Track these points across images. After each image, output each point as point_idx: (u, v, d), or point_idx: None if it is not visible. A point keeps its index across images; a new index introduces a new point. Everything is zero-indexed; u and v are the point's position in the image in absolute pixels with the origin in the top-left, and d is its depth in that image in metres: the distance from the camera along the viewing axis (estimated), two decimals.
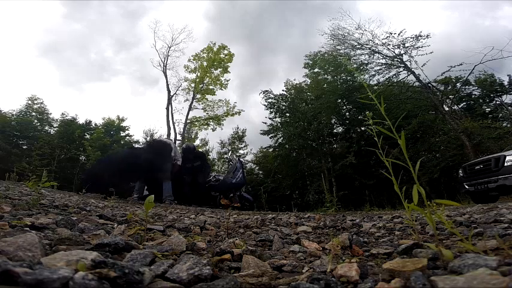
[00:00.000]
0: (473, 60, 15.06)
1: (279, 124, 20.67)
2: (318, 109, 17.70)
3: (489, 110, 19.73)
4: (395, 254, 1.01)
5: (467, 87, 18.40)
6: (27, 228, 1.07)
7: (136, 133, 57.91)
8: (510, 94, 19.75)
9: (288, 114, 20.38)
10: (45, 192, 3.60)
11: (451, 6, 40.26)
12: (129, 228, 1.38)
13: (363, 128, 18.11)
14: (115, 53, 42.54)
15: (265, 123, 20.87)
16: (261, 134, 21.03)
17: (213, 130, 23.38)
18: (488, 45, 15.03)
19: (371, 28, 18.76)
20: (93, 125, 25.01)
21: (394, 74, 15.31)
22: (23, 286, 0.48)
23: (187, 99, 22.69)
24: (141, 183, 6.68)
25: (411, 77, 15.18)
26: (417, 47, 14.04)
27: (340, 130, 20.49)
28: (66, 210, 2.08)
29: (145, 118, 61.78)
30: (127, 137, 25.75)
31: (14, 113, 22.94)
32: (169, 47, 22.79)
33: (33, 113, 23.84)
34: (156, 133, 26.52)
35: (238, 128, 27.33)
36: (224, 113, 22.89)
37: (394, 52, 15.00)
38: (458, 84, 16.56)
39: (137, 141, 25.66)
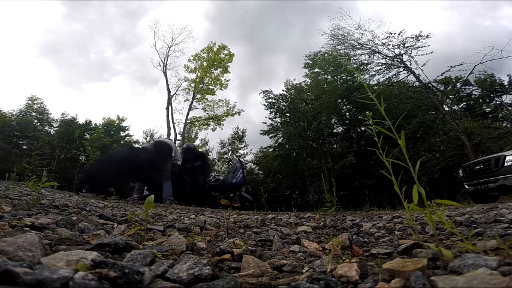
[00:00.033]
0: (473, 60, 15.08)
1: (279, 124, 20.67)
2: (318, 109, 17.70)
3: (489, 110, 19.73)
4: (395, 254, 1.01)
5: (467, 87, 18.40)
6: (27, 228, 1.07)
7: (136, 133, 58.03)
8: (510, 94, 19.78)
9: (288, 114, 20.38)
10: (45, 192, 3.60)
11: (451, 6, 40.30)
12: (129, 228, 1.38)
13: (363, 128, 18.11)
14: (115, 53, 42.60)
15: (265, 123, 20.91)
16: (261, 134, 21.06)
17: (213, 130, 23.41)
18: (488, 45, 15.04)
19: (371, 28, 18.78)
20: (93, 125, 25.01)
21: (394, 74, 15.33)
22: (23, 286, 0.48)
23: (187, 99, 22.72)
24: (141, 183, 6.68)
25: (411, 77, 15.21)
26: (417, 47, 14.05)
27: (340, 130, 20.50)
28: (66, 210, 2.08)
29: (145, 118, 61.93)
30: (127, 137, 25.75)
31: (14, 113, 22.95)
32: (169, 47, 22.80)
33: (33, 113, 23.83)
34: (156, 133, 26.58)
35: (238, 128, 27.38)
36: (224, 113, 22.89)
37: (394, 52, 15.02)
38: (458, 84, 16.56)
39: (137, 141, 25.69)
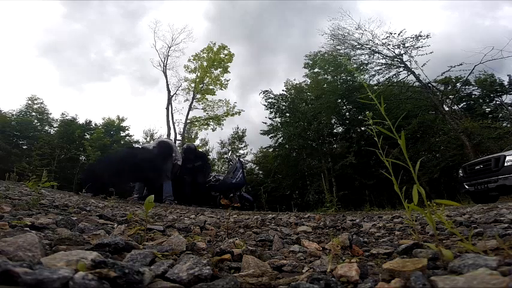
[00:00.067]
0: (473, 60, 15.06)
1: (279, 124, 20.67)
2: (318, 109, 17.70)
3: (489, 110, 19.73)
4: (395, 254, 1.01)
5: (467, 87, 18.40)
6: (27, 228, 1.07)
7: (136, 133, 58.04)
8: (510, 94, 19.77)
9: (288, 114, 20.38)
10: (45, 192, 3.60)
11: (451, 6, 40.29)
12: (129, 228, 1.38)
13: (363, 128, 18.11)
14: (115, 53, 42.57)
15: (265, 123, 20.90)
16: (261, 134, 21.06)
17: (213, 130, 23.41)
18: (488, 45, 15.04)
19: (371, 28, 18.76)
20: (93, 125, 25.01)
21: (394, 74, 15.33)
22: (23, 286, 0.48)
23: (187, 99, 22.72)
24: (141, 183, 6.68)
25: (411, 77, 15.21)
26: (417, 47, 14.05)
27: (340, 130, 20.50)
28: (66, 210, 2.08)
29: (145, 118, 61.87)
30: (127, 137, 25.75)
31: (14, 113, 22.95)
32: (169, 47, 22.81)
33: (33, 113, 23.84)
34: (156, 133, 26.57)
35: (238, 128, 27.37)
36: (224, 113, 22.89)
37: (394, 52, 15.01)
38: (458, 84, 16.56)
39: (137, 141, 25.69)
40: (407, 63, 14.51)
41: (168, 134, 20.78)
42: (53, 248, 0.85)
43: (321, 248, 1.23)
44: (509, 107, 18.62)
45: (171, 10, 39.44)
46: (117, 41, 39.70)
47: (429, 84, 14.82)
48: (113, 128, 25.22)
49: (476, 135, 12.36)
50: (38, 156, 17.50)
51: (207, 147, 27.38)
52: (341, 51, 16.68)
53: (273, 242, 1.32)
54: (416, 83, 14.94)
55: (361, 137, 17.88)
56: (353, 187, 16.44)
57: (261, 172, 24.40)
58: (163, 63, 22.57)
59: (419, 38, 13.95)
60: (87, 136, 22.70)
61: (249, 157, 26.15)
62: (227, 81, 22.96)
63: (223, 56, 22.32)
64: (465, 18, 41.66)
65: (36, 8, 47.93)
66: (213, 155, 26.70)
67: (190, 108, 22.40)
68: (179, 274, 0.66)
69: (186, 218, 2.58)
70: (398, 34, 14.41)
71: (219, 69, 22.50)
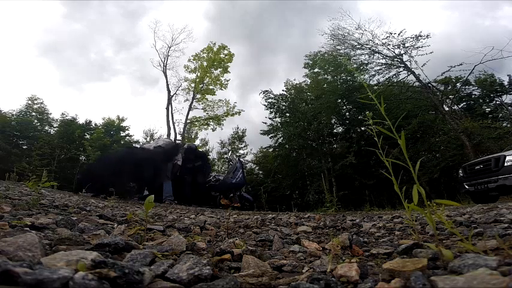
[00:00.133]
0: (473, 60, 15.03)
1: (279, 124, 20.67)
2: (318, 109, 17.70)
3: (489, 110, 19.72)
4: (395, 254, 1.01)
5: (467, 87, 18.39)
6: (27, 228, 1.07)
7: (137, 133, 57.98)
8: (510, 94, 19.77)
9: (288, 114, 20.38)
10: (45, 192, 3.60)
11: (451, 6, 40.27)
12: (129, 228, 1.38)
13: (363, 128, 18.11)
14: (115, 53, 42.59)
15: (265, 123, 20.90)
16: (261, 134, 21.05)
17: (213, 130, 23.39)
18: (488, 45, 15.00)
19: (371, 28, 18.75)
20: (93, 125, 25.03)
21: (394, 74, 15.33)
22: (23, 286, 0.48)
23: (187, 99, 22.70)
24: (141, 183, 6.67)
25: (411, 77, 15.21)
26: (417, 47, 14.05)
27: (340, 130, 20.50)
28: (66, 210, 2.08)
29: (145, 118, 61.82)
30: (127, 137, 25.76)
31: (14, 113, 22.95)
32: (169, 47, 22.79)
33: (33, 113, 23.84)
34: (156, 133, 26.57)
35: (238, 128, 27.36)
36: (224, 113, 22.88)
37: (394, 52, 15.01)
38: (458, 84, 16.56)
39: (137, 141, 25.70)
40: (407, 63, 14.53)
41: (168, 134, 20.78)
42: (53, 248, 0.85)
43: (321, 248, 1.23)
44: (509, 107, 18.62)
45: (171, 10, 39.46)
46: (117, 41, 39.75)
47: (429, 84, 14.82)
48: (113, 128, 25.22)
49: (476, 135, 12.36)
50: (38, 156, 17.51)
51: (207, 147, 27.40)
52: (341, 51, 16.70)
53: (273, 242, 1.32)
54: (416, 83, 14.94)
55: (361, 137, 17.88)
56: (353, 187, 16.44)
57: (261, 172, 24.40)
58: (163, 63, 22.58)
59: (419, 38, 13.96)
60: (87, 136, 22.71)
61: (249, 157, 26.18)
62: (227, 81, 22.97)
63: (223, 56, 22.31)
64: (465, 18, 41.68)
65: (36, 8, 47.96)
66: (213, 155, 26.74)
67: (190, 108, 22.41)
68: (179, 274, 0.66)
69: (186, 218, 2.58)
70: (398, 34, 14.43)
71: (219, 69, 22.50)
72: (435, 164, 14.06)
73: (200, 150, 16.56)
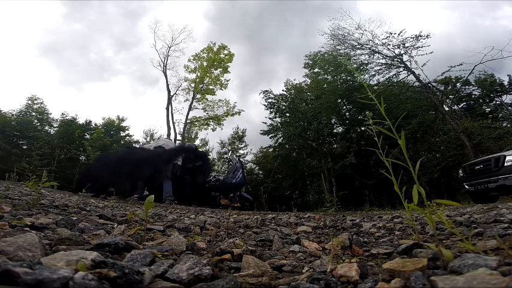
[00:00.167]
0: (473, 60, 15.04)
1: (279, 124, 20.66)
2: (318, 109, 17.70)
3: (489, 110, 19.72)
4: (395, 254, 1.01)
5: (467, 87, 18.39)
6: (27, 228, 1.07)
7: (137, 133, 57.99)
8: (510, 94, 19.77)
9: (288, 114, 20.37)
10: (45, 192, 3.60)
11: (451, 6, 40.25)
12: (129, 228, 1.38)
13: (363, 128, 18.11)
14: (115, 53, 42.59)
15: (265, 123, 20.90)
16: (261, 134, 21.05)
17: (213, 130, 23.42)
18: (488, 45, 15.00)
19: (371, 28, 18.76)
20: (93, 125, 25.03)
21: (394, 74, 15.32)
22: (23, 286, 0.48)
23: (187, 99, 22.73)
24: (141, 183, 6.67)
25: (411, 77, 15.21)
26: (417, 47, 14.05)
27: (340, 130, 20.49)
28: (66, 210, 2.08)
29: (145, 118, 61.82)
30: (127, 137, 25.76)
31: (14, 113, 22.97)
32: (169, 47, 22.83)
33: (33, 113, 23.85)
34: (156, 133, 26.57)
35: (238, 128, 27.36)
36: (224, 113, 22.90)
37: (394, 52, 15.01)
38: (458, 84, 16.56)
39: (137, 141, 25.70)
40: (407, 63, 14.53)
41: (168, 134, 20.79)
42: (53, 248, 0.85)
43: (321, 248, 1.23)
44: (509, 107, 18.62)
45: (171, 10, 39.48)
46: (117, 41, 39.76)
47: (429, 84, 14.81)
48: (113, 128, 25.23)
49: (476, 135, 12.36)
50: (38, 156, 17.52)
51: (207, 147, 27.39)
52: (341, 51, 16.69)
53: (273, 242, 1.32)
54: (416, 83, 14.94)
55: (361, 137, 17.88)
56: (353, 187, 16.43)
57: (261, 172, 24.40)
58: (163, 63, 22.61)
59: (419, 38, 13.96)
60: (87, 136, 22.72)
61: (249, 157, 26.17)
62: (227, 81, 22.99)
63: (223, 56, 22.33)
64: (465, 18, 41.66)
65: (36, 8, 47.95)
66: (213, 155, 26.73)
67: (190, 108, 22.43)
68: (179, 274, 0.66)
69: (186, 218, 2.58)
70: (398, 34, 14.43)
71: (219, 69, 22.51)
72: (435, 164, 14.06)
73: (200, 150, 16.56)
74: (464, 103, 20.50)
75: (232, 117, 23.20)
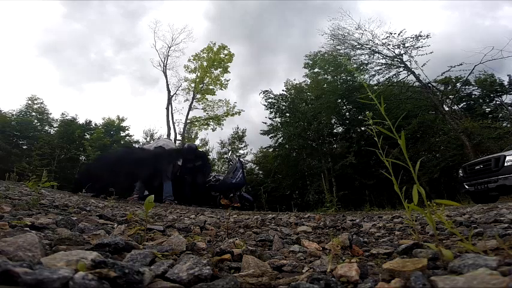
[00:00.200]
0: (473, 60, 15.05)
1: (279, 124, 20.67)
2: (318, 109, 17.70)
3: (489, 110, 19.73)
4: (395, 254, 1.01)
5: (467, 87, 18.39)
6: (27, 228, 1.07)
7: (136, 133, 57.97)
8: (510, 94, 19.77)
9: (288, 114, 20.38)
10: (45, 192, 3.60)
11: (451, 6, 40.25)
12: (129, 228, 1.38)
13: (363, 128, 18.11)
14: (115, 53, 42.58)
15: (265, 123, 20.90)
16: (261, 134, 21.05)
17: (213, 130, 23.42)
18: (488, 45, 14.99)
19: (371, 28, 18.78)
20: (93, 125, 25.04)
21: (394, 74, 15.33)
22: (23, 286, 0.48)
23: (187, 99, 22.74)
24: (142, 183, 6.67)
25: (411, 77, 15.21)
26: (417, 47, 14.05)
27: (340, 130, 20.50)
28: (66, 210, 2.08)
29: (145, 118, 61.80)
30: (127, 137, 25.76)
31: (14, 113, 22.98)
32: (169, 47, 22.84)
33: (33, 113, 23.85)
34: (156, 133, 26.57)
35: (238, 128, 27.36)
36: (224, 113, 22.90)
37: (394, 52, 15.01)
38: (458, 84, 16.56)
39: (137, 141, 25.70)
40: (407, 63, 14.53)
41: (168, 134, 20.79)
42: (53, 248, 0.85)
43: (321, 248, 1.23)
44: (509, 107, 18.62)
45: (171, 10, 39.46)
46: (117, 41, 39.75)
47: (429, 84, 14.82)
48: (113, 128, 25.23)
49: (476, 135, 12.36)
50: (38, 156, 17.52)
51: (207, 147, 27.40)
52: (341, 51, 16.70)
53: (273, 242, 1.32)
54: (416, 83, 14.94)
55: (361, 137, 17.88)
56: (353, 187, 16.44)
57: (261, 172, 24.40)
58: (163, 63, 22.61)
59: (419, 38, 13.96)
60: (87, 136, 22.73)
61: (249, 157, 26.18)
62: (227, 81, 22.99)
63: (223, 56, 22.33)
64: (465, 18, 41.64)
65: (36, 8, 47.94)
66: (213, 155, 26.73)
67: (190, 108, 22.43)
68: (179, 274, 0.66)
69: (186, 218, 2.58)
70: (398, 34, 14.43)
71: (219, 69, 22.52)
72: (435, 164, 14.06)
73: (200, 150, 16.56)
74: (464, 103, 20.50)
75: (232, 117, 23.24)
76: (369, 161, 17.00)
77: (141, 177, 6.34)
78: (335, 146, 19.99)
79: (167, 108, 21.57)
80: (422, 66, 13.86)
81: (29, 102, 23.87)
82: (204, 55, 22.53)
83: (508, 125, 15.95)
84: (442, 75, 14.30)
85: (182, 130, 22.14)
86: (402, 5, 41.64)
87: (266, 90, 20.29)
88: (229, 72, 22.90)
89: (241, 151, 26.41)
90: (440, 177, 14.48)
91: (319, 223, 2.37)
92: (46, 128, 24.32)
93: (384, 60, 15.53)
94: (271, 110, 20.55)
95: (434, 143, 15.57)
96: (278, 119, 20.80)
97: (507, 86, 19.96)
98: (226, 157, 24.43)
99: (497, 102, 19.60)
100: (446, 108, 14.59)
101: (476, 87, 19.70)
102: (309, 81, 21.64)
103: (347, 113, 19.76)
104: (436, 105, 14.14)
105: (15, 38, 46.36)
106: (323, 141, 19.50)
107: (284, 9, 48.83)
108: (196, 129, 24.87)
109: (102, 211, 2.36)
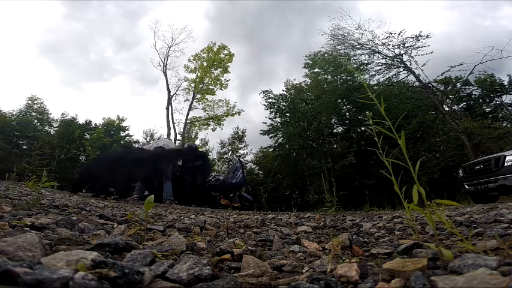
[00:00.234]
0: (473, 60, 15.04)
1: (279, 124, 20.68)
2: (318, 109, 17.70)
3: (489, 110, 19.73)
4: (395, 254, 1.01)
5: (467, 87, 18.40)
6: (27, 228, 1.07)
7: (137, 133, 57.96)
8: (510, 94, 19.77)
9: (288, 114, 20.39)
10: (45, 192, 3.60)
11: (451, 6, 40.22)
12: (129, 228, 1.38)
13: (363, 128, 18.12)
14: (115, 53, 42.58)
15: (265, 123, 20.92)
16: (261, 134, 21.07)
17: (213, 130, 23.44)
18: (488, 45, 14.98)
19: (371, 28, 18.77)
20: (93, 125, 25.04)
21: (394, 74, 15.33)
22: (23, 286, 0.48)
23: (187, 99, 22.75)
24: (142, 183, 6.67)
25: (411, 77, 15.22)
26: (417, 47, 14.06)
27: (340, 130, 20.51)
28: (66, 210, 2.08)
29: (145, 118, 61.82)
30: (127, 137, 25.77)
31: (14, 113, 22.99)
32: (169, 47, 22.85)
33: (33, 113, 23.86)
34: (156, 133, 26.57)
35: (238, 128, 27.37)
36: (224, 113, 22.91)
37: (394, 52, 15.02)
38: (458, 84, 16.56)
39: (137, 141, 25.71)
40: (407, 63, 14.54)
41: (168, 134, 20.80)
42: (53, 248, 0.85)
43: (321, 248, 1.23)
44: (509, 107, 18.62)
45: (171, 10, 39.47)
46: (117, 41, 39.75)
47: (429, 84, 14.82)
48: (113, 128, 25.24)
49: (476, 135, 12.36)
50: (38, 156, 17.52)
51: (207, 147, 27.40)
52: (341, 51, 16.71)
53: (273, 242, 1.32)
54: (416, 83, 14.95)
55: (361, 137, 17.89)
56: (353, 187, 16.44)
57: (261, 172, 24.41)
58: (163, 63, 22.63)
59: (419, 38, 13.97)
60: (87, 136, 22.73)
61: (249, 157, 26.18)
62: (227, 81, 23.00)
63: (223, 56, 22.34)
64: (465, 18, 41.61)
65: (36, 8, 47.93)
66: (213, 155, 26.74)
67: (190, 108, 22.44)
68: (179, 274, 0.66)
69: (186, 218, 2.58)
70: (398, 34, 14.44)
71: (219, 69, 22.53)
72: (435, 164, 14.06)
73: (200, 150, 16.55)
74: (464, 103, 20.50)
75: (232, 117, 23.25)
76: (369, 161, 17.00)
77: (141, 177, 6.34)
78: (335, 146, 20.00)
79: (167, 108, 21.60)
80: (422, 66, 13.89)
81: (29, 102, 23.90)
82: (204, 55, 22.56)
83: (508, 125, 15.95)
84: (442, 75, 14.33)
85: (182, 130, 22.16)
86: (402, 5, 41.64)
87: (266, 90, 20.33)
88: (229, 72, 22.96)
89: (241, 151, 26.43)
90: (440, 177, 14.48)
91: (319, 223, 2.37)
92: (46, 128, 24.34)
93: (383, 60, 15.55)
94: (271, 110, 20.57)
95: (434, 143, 15.57)
96: (278, 119, 20.83)
97: (507, 86, 19.96)
98: (226, 157, 24.43)
99: (497, 102, 19.61)
100: (446, 108, 14.59)
101: (476, 87, 19.70)
102: (309, 81, 21.67)
103: (347, 113, 19.77)
104: (436, 105, 14.14)
105: (15, 38, 46.39)
106: (323, 141, 19.50)
107: (284, 9, 48.83)
108: (196, 129, 24.89)
109: (102, 211, 2.36)
